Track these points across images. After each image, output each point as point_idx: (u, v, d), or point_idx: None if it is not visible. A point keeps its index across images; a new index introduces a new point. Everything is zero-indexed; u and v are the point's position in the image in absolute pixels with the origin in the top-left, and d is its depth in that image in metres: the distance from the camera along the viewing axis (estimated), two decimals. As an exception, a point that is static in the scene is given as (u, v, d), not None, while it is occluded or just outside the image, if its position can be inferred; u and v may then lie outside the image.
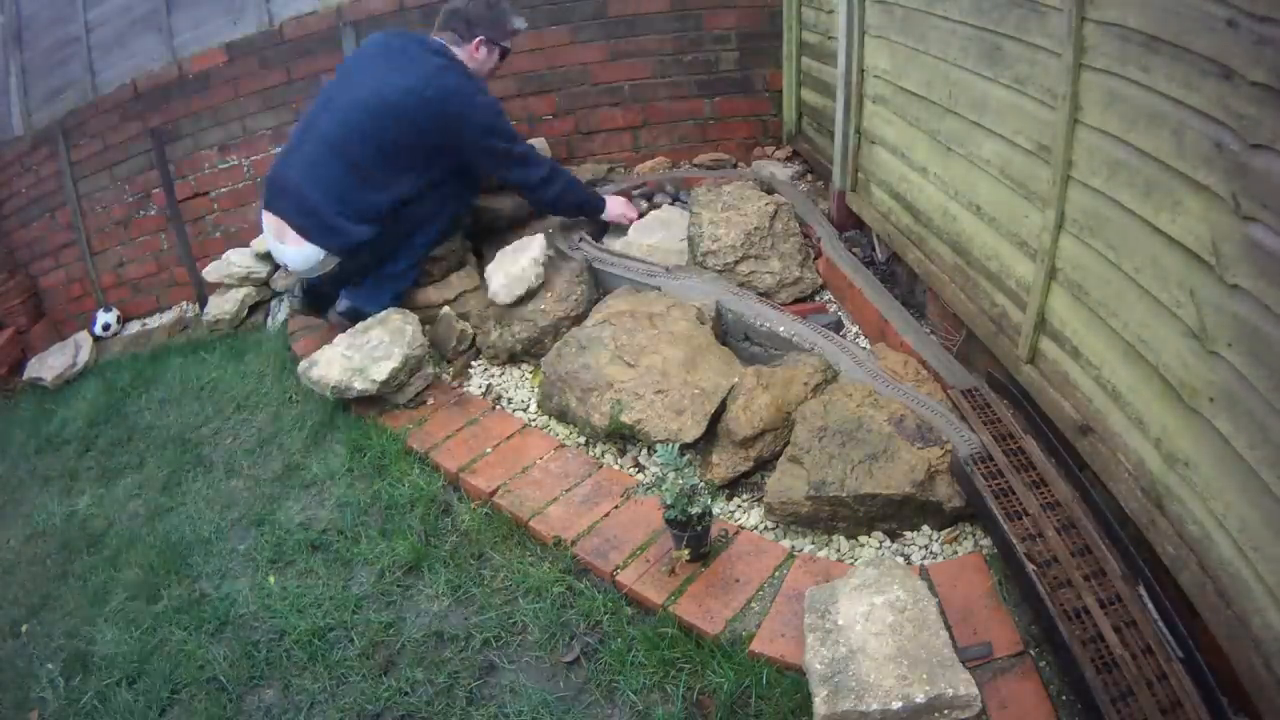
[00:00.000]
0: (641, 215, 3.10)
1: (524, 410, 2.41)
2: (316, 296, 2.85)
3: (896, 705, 1.33)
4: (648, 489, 2.00)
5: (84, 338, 3.74)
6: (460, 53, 2.72)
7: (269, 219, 2.67)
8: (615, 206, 3.01)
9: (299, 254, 2.64)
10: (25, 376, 3.62)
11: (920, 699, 1.33)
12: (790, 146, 3.68)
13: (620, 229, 3.06)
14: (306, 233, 2.59)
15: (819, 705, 1.36)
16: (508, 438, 2.26)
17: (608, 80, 3.62)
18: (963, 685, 1.34)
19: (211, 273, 3.50)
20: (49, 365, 3.57)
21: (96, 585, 2.18)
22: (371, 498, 2.18)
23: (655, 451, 1.91)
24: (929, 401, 1.99)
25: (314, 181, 2.56)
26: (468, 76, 2.67)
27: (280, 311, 3.36)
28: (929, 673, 1.36)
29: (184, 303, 3.85)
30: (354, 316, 2.69)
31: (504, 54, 2.84)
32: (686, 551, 1.73)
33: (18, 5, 3.75)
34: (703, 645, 1.61)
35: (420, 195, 2.67)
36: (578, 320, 2.56)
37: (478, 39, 2.73)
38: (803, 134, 3.58)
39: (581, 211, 2.98)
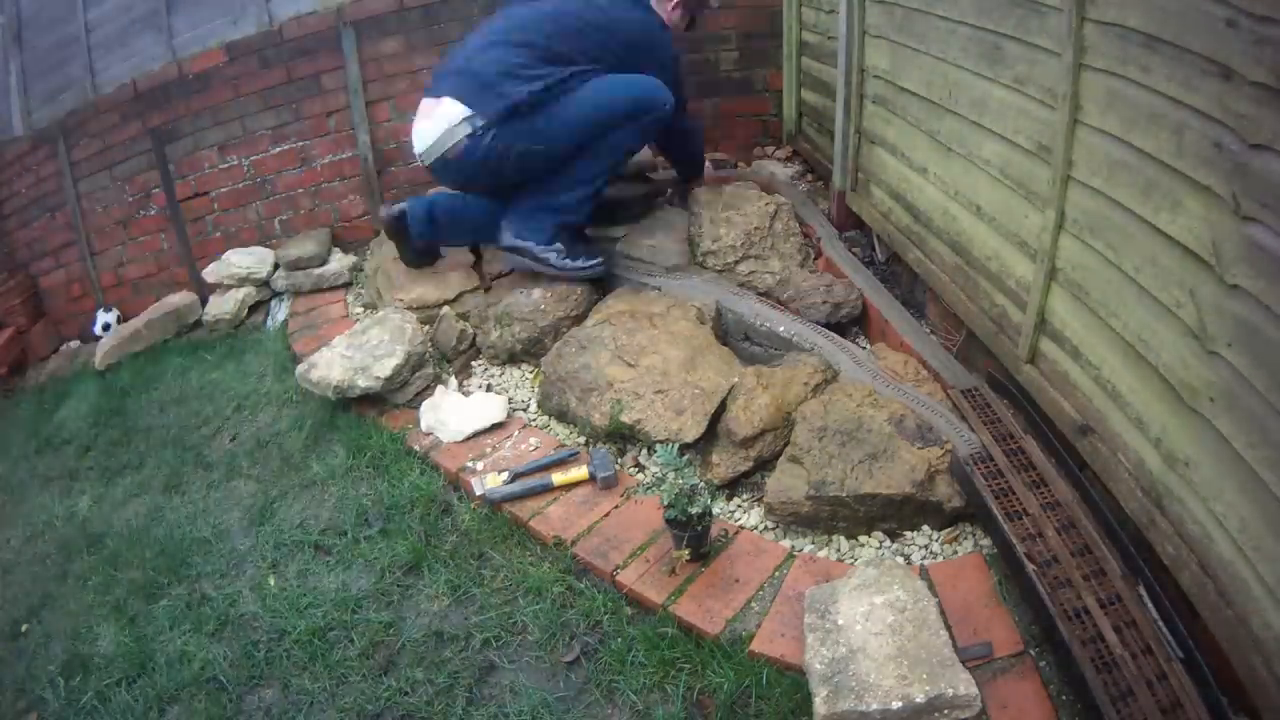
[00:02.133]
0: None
1: (524, 410, 2.41)
2: (429, 236, 2.75)
3: (896, 705, 1.33)
4: (648, 489, 2.00)
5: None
6: (656, 5, 2.79)
7: (424, 105, 2.57)
8: (709, 172, 3.20)
9: (438, 119, 2.47)
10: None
11: (920, 699, 1.33)
12: (790, 146, 3.68)
13: (603, 223, 3.02)
14: (461, 94, 2.45)
15: (819, 705, 1.36)
16: (508, 438, 2.26)
17: (608, 80, 3.62)
18: (963, 685, 1.34)
19: (211, 274, 3.50)
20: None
21: (96, 585, 2.18)
22: (372, 498, 2.18)
23: (655, 451, 1.91)
24: (929, 401, 1.99)
25: (481, 57, 2.50)
26: (661, 23, 2.77)
27: (280, 311, 3.36)
28: (929, 673, 1.37)
29: (184, 303, 3.85)
30: (519, 253, 2.59)
31: (691, 24, 2.94)
32: (687, 551, 1.73)
33: (18, 5, 3.75)
34: (703, 645, 1.61)
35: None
36: (578, 320, 2.56)
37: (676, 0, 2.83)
38: (803, 134, 3.58)
39: (692, 162, 3.11)
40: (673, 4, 2.84)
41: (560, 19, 2.55)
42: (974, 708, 1.34)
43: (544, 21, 2.54)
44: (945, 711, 1.35)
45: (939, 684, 1.34)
